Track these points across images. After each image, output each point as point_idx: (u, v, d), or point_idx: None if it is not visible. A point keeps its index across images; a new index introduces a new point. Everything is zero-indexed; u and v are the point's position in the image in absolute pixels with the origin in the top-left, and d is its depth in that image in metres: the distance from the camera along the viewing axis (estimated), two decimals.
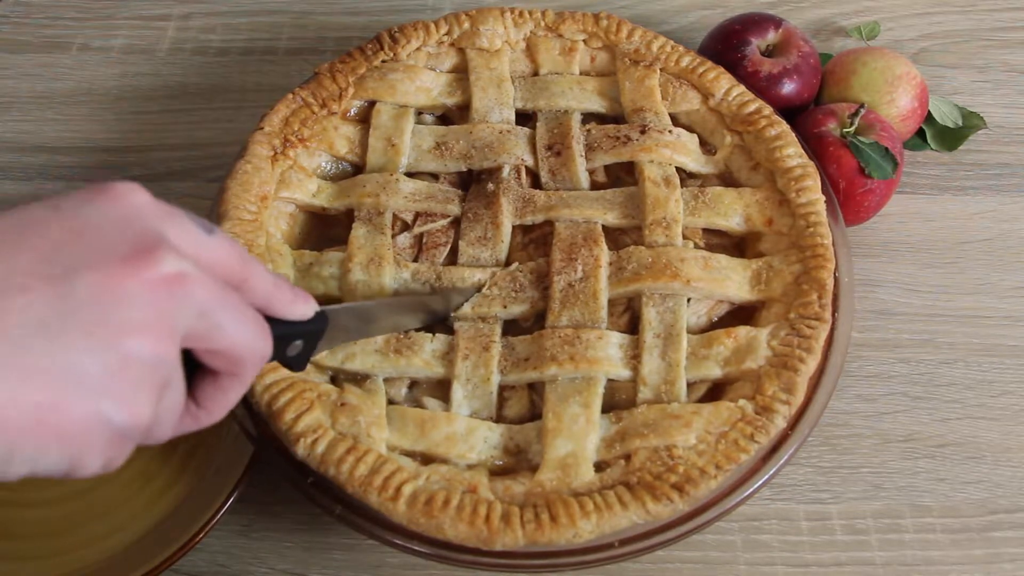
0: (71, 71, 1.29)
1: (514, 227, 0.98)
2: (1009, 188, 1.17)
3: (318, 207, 1.00)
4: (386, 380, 0.89)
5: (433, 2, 1.36)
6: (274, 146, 1.00)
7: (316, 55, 1.29)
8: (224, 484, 0.91)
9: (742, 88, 1.05)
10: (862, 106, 1.06)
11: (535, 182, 1.02)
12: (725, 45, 1.13)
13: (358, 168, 1.04)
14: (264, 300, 0.67)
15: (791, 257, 0.93)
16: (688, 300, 0.92)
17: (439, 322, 0.93)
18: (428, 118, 1.08)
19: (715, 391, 0.90)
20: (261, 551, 0.93)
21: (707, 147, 1.05)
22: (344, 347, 0.89)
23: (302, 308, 0.71)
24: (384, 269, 0.94)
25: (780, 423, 0.84)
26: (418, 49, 1.09)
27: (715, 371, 0.88)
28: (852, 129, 1.05)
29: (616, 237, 0.98)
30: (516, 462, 0.85)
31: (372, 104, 1.06)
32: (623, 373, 0.89)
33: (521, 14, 1.11)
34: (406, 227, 0.99)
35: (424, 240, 0.98)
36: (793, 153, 0.99)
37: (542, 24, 1.10)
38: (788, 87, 1.10)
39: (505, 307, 0.92)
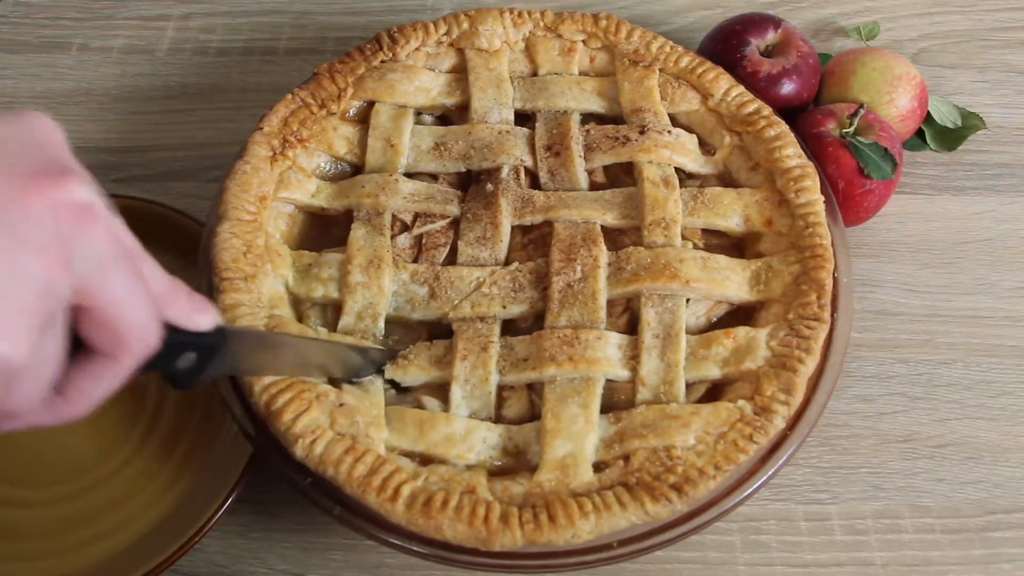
0: (71, 71, 1.29)
1: (513, 227, 0.98)
2: (1008, 188, 1.17)
3: (317, 207, 1.00)
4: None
5: (432, 2, 1.36)
6: (273, 146, 1.00)
7: (315, 55, 1.29)
8: (223, 485, 0.91)
9: (741, 88, 1.05)
10: (861, 106, 1.06)
11: (534, 182, 1.02)
12: (724, 45, 1.12)
13: (357, 168, 1.04)
14: (157, 298, 0.61)
15: (790, 257, 0.93)
16: (687, 301, 0.92)
17: (357, 378, 0.88)
18: (427, 118, 1.08)
19: (714, 392, 0.90)
20: (260, 551, 0.93)
21: (706, 147, 1.05)
22: None
23: (199, 318, 0.66)
24: (383, 270, 0.94)
25: (779, 424, 0.84)
26: (417, 49, 1.09)
27: (714, 372, 0.88)
28: (851, 129, 1.05)
29: (615, 237, 0.98)
30: (515, 463, 0.85)
31: (371, 104, 1.06)
32: (622, 374, 0.89)
33: (520, 14, 1.11)
34: (405, 228, 0.99)
35: (423, 241, 0.98)
36: (792, 153, 0.99)
37: (541, 24, 1.10)
38: (787, 87, 1.10)
39: (504, 307, 0.92)
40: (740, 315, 0.94)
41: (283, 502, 0.96)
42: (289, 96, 1.04)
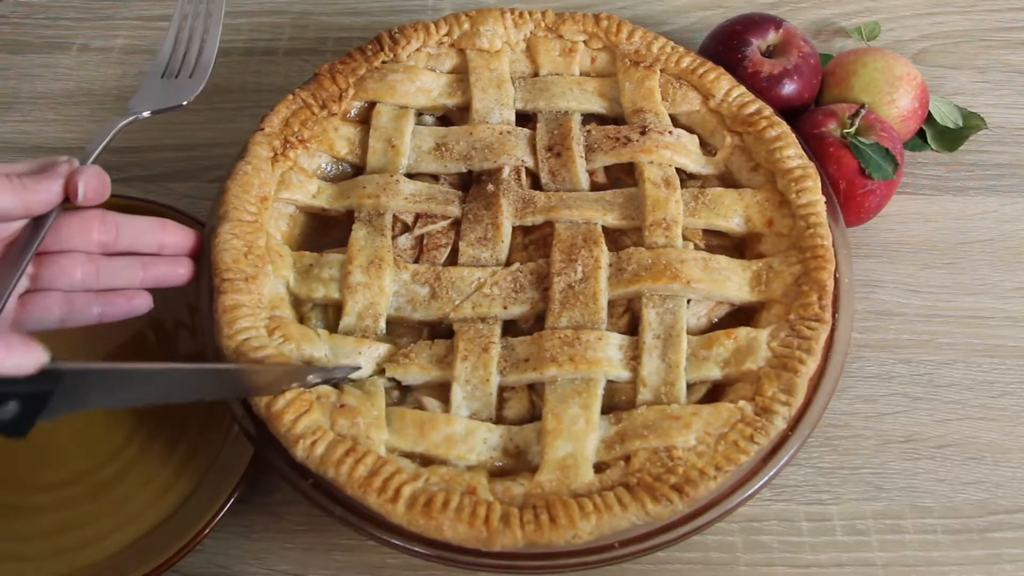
0: (71, 71, 1.29)
1: (514, 228, 0.98)
2: (1009, 188, 1.17)
3: (318, 208, 1.00)
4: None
5: (433, 3, 1.36)
6: (274, 147, 1.00)
7: (316, 56, 1.29)
8: (224, 485, 0.91)
9: (742, 89, 1.05)
10: (862, 107, 1.06)
11: (535, 183, 1.02)
12: (725, 46, 1.12)
13: (358, 169, 1.04)
14: None
15: (791, 258, 0.93)
16: (688, 301, 0.92)
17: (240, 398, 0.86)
18: (428, 119, 1.08)
19: (715, 392, 0.90)
20: (261, 552, 0.93)
21: (707, 148, 1.05)
22: (347, 356, 0.89)
23: (12, 361, 0.64)
24: (384, 270, 0.94)
25: (780, 424, 0.84)
26: (418, 50, 1.09)
27: (715, 372, 0.88)
28: (852, 130, 1.05)
29: (616, 238, 0.98)
30: (516, 463, 0.85)
31: (372, 105, 1.06)
32: (623, 374, 0.89)
33: (521, 15, 1.11)
34: (406, 228, 0.99)
35: (424, 241, 0.98)
36: (793, 154, 0.99)
37: (542, 25, 1.10)
38: (788, 88, 1.10)
39: (505, 308, 0.92)
40: (741, 316, 0.94)
41: (284, 502, 0.96)
42: (290, 96, 1.04)
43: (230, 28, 1.33)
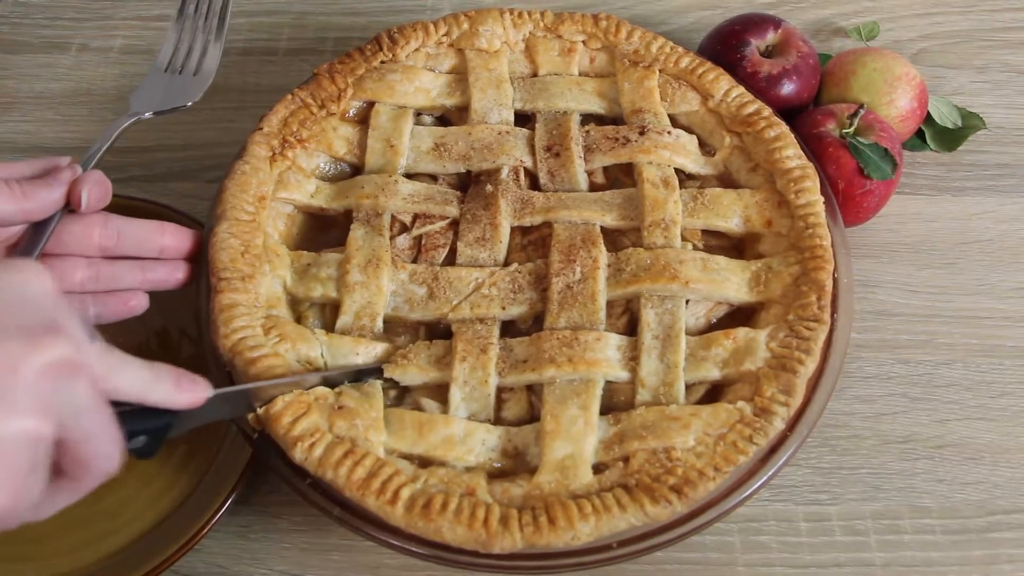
0: (71, 71, 1.29)
1: (513, 228, 0.98)
2: (1008, 189, 1.17)
3: (316, 208, 1.00)
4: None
5: (432, 3, 1.36)
6: (273, 147, 1.00)
7: (315, 56, 1.29)
8: (222, 486, 0.91)
9: (741, 89, 1.05)
10: (861, 107, 1.06)
11: (534, 183, 1.02)
12: (724, 46, 1.12)
13: (357, 169, 1.04)
14: (136, 398, 0.70)
15: (790, 258, 0.93)
16: (687, 302, 0.92)
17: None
18: (427, 119, 1.08)
19: (714, 393, 0.90)
20: (259, 552, 0.93)
21: (706, 148, 1.05)
22: (344, 356, 0.89)
23: (183, 396, 0.73)
24: (382, 270, 0.94)
25: (779, 425, 0.84)
26: (417, 50, 1.09)
27: (714, 373, 0.88)
28: (851, 130, 1.05)
29: (615, 239, 0.98)
30: (514, 464, 0.85)
31: (371, 105, 1.06)
32: (621, 375, 0.89)
33: (520, 15, 1.11)
34: (405, 228, 0.99)
35: (423, 241, 0.98)
36: (792, 154, 0.99)
37: (541, 25, 1.10)
38: (787, 88, 1.10)
39: (503, 308, 0.92)
40: (740, 316, 0.94)
41: (282, 503, 0.96)
42: (289, 96, 1.04)
43: (229, 28, 1.32)
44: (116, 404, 0.68)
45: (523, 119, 1.06)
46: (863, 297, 1.08)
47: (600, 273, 0.93)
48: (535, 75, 1.10)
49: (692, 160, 1.02)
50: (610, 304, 0.93)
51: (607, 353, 0.89)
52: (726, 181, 1.03)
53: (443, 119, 1.09)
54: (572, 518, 0.78)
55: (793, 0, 1.35)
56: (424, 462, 0.85)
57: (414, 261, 0.97)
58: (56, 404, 0.60)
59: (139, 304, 0.92)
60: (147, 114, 1.03)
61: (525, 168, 1.02)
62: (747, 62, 1.10)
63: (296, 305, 0.95)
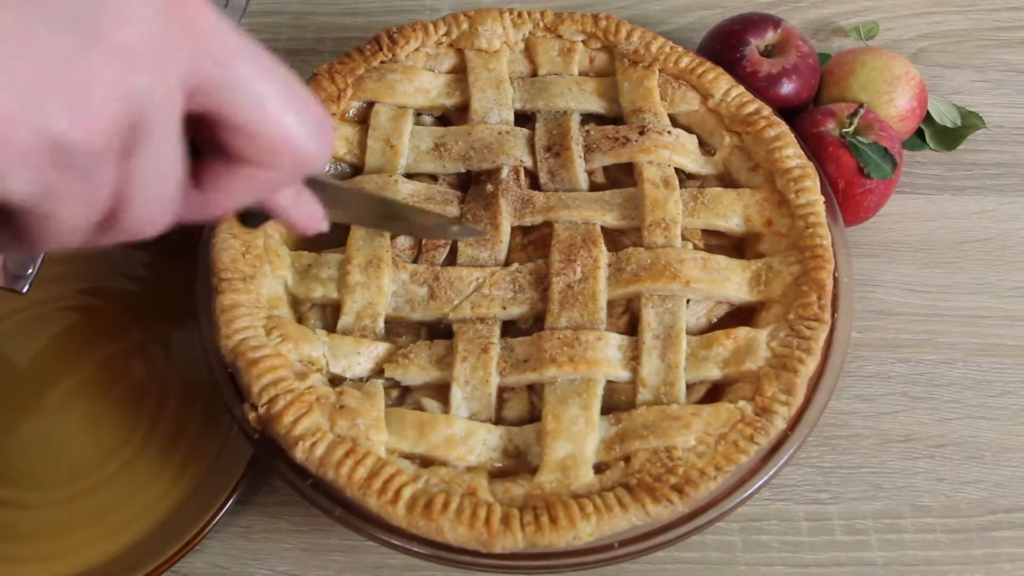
0: None
1: (513, 228, 0.98)
2: (1008, 188, 1.17)
3: None
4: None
5: (431, 3, 1.36)
6: None
7: (315, 56, 1.29)
8: (223, 486, 0.91)
9: (741, 89, 1.05)
10: (861, 106, 1.06)
11: (534, 183, 1.02)
12: (724, 45, 1.12)
13: (357, 169, 1.04)
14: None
15: (790, 258, 0.93)
16: (687, 301, 0.92)
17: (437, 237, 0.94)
18: (427, 119, 1.08)
19: (714, 392, 0.90)
20: (261, 552, 0.93)
21: (706, 148, 1.05)
22: (345, 356, 0.89)
23: (316, 224, 0.67)
24: (383, 270, 0.94)
25: (780, 424, 0.84)
26: (417, 50, 1.09)
27: (714, 372, 0.88)
28: (851, 129, 1.05)
29: (615, 238, 0.98)
30: (515, 464, 0.85)
31: (371, 105, 1.06)
32: (622, 374, 0.89)
33: (520, 15, 1.11)
34: None
35: (423, 241, 0.98)
36: (792, 154, 0.99)
37: (541, 25, 1.10)
38: (787, 87, 1.10)
39: (504, 308, 0.92)
40: (740, 316, 0.94)
41: (284, 503, 0.96)
42: None
43: None
44: None
45: (523, 119, 1.06)
46: (863, 296, 1.08)
47: (601, 273, 0.93)
48: (535, 75, 1.09)
49: (692, 160, 1.02)
50: (611, 304, 0.93)
51: (608, 353, 0.89)
52: (726, 181, 1.03)
53: (443, 119, 1.09)
54: (573, 517, 0.78)
55: (792, 0, 1.35)
56: (425, 462, 0.85)
57: (415, 261, 0.97)
58: (176, 47, 0.47)
59: None
60: None
61: (525, 168, 1.02)
62: (747, 62, 1.10)
63: (297, 306, 0.95)
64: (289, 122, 0.52)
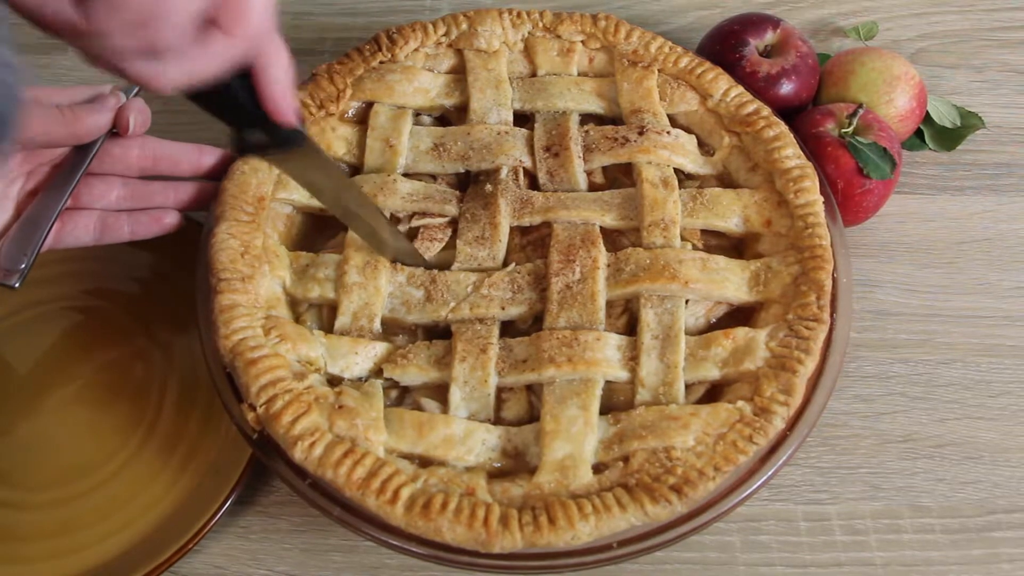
0: (71, 72, 1.28)
1: (512, 228, 0.98)
2: (1007, 188, 1.17)
3: (315, 208, 1.00)
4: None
5: (431, 3, 1.36)
6: None
7: (314, 56, 1.29)
8: (222, 486, 0.91)
9: (740, 89, 1.05)
10: (860, 106, 1.06)
11: (533, 183, 1.02)
12: (723, 46, 1.12)
13: (356, 169, 1.04)
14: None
15: (789, 258, 0.93)
16: (686, 301, 0.92)
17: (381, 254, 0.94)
18: (426, 119, 1.08)
19: (713, 392, 0.90)
20: (259, 553, 0.93)
21: (705, 148, 1.05)
22: (343, 356, 0.89)
23: (292, 118, 0.73)
24: (380, 271, 0.94)
25: (778, 424, 0.84)
26: (416, 50, 1.09)
27: (713, 372, 0.88)
28: (850, 129, 1.05)
29: (614, 238, 0.98)
30: (514, 464, 0.85)
31: (370, 105, 1.06)
32: (621, 375, 0.89)
33: (519, 15, 1.11)
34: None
35: (420, 232, 0.98)
36: (791, 154, 0.99)
37: (540, 25, 1.10)
38: (786, 87, 1.10)
39: (503, 308, 0.92)
40: (739, 316, 0.94)
41: (282, 503, 0.96)
42: None
43: None
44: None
45: (522, 119, 1.06)
46: (862, 297, 1.08)
47: (599, 273, 0.93)
48: (534, 75, 1.10)
49: (691, 160, 1.02)
50: (610, 304, 0.93)
51: (607, 353, 0.89)
52: (725, 181, 1.03)
53: (442, 119, 1.09)
54: (572, 518, 0.78)
55: (792, 0, 1.35)
56: (424, 462, 0.85)
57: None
58: None
59: (171, 222, 0.97)
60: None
61: (524, 168, 1.02)
62: (746, 62, 1.10)
63: (295, 306, 0.95)
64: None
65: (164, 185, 0.98)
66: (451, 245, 0.98)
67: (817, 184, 0.97)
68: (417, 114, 1.07)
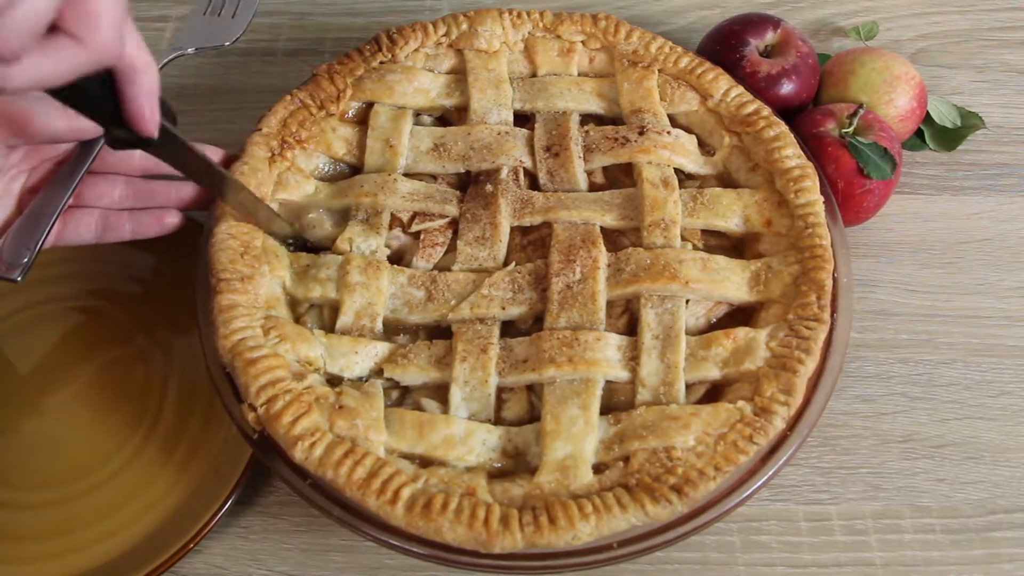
0: None
1: (512, 228, 0.98)
2: (1007, 188, 1.17)
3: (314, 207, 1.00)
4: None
5: (431, 3, 1.36)
6: (272, 148, 1.00)
7: (314, 56, 1.29)
8: (222, 486, 0.91)
9: (741, 89, 1.05)
10: (861, 106, 1.06)
11: (533, 183, 1.02)
12: (724, 46, 1.12)
13: (356, 170, 1.04)
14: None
15: (790, 258, 0.93)
16: (687, 301, 0.92)
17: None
18: (426, 119, 1.08)
19: (714, 392, 0.90)
20: (260, 553, 0.93)
21: (706, 148, 1.05)
22: (343, 356, 0.89)
23: (152, 130, 0.74)
24: (382, 272, 0.94)
25: (779, 424, 0.84)
26: (416, 50, 1.09)
27: (714, 372, 0.88)
28: (851, 129, 1.05)
29: (614, 239, 0.98)
30: (515, 464, 0.85)
31: (370, 105, 1.06)
32: (621, 375, 0.89)
33: (519, 15, 1.11)
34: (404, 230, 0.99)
35: (421, 238, 0.98)
36: (792, 154, 0.99)
37: (540, 25, 1.10)
38: (787, 87, 1.10)
39: (503, 309, 0.92)
40: (740, 316, 0.94)
41: (283, 503, 0.96)
42: (288, 97, 1.04)
43: None
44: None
45: (522, 119, 1.06)
46: (863, 297, 1.08)
47: (600, 273, 0.93)
48: (534, 75, 1.09)
49: (691, 160, 1.02)
50: (610, 304, 0.93)
51: (607, 353, 0.89)
52: (726, 181, 1.03)
53: (442, 119, 1.09)
54: (572, 518, 0.78)
55: (792, 0, 1.35)
56: (424, 462, 0.85)
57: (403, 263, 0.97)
58: None
59: (173, 222, 0.97)
60: (190, 49, 1.12)
61: (525, 168, 1.02)
62: (746, 62, 1.10)
63: (295, 306, 0.95)
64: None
65: (166, 184, 0.97)
66: (452, 246, 0.98)
67: (817, 184, 0.97)
68: (417, 114, 1.07)
